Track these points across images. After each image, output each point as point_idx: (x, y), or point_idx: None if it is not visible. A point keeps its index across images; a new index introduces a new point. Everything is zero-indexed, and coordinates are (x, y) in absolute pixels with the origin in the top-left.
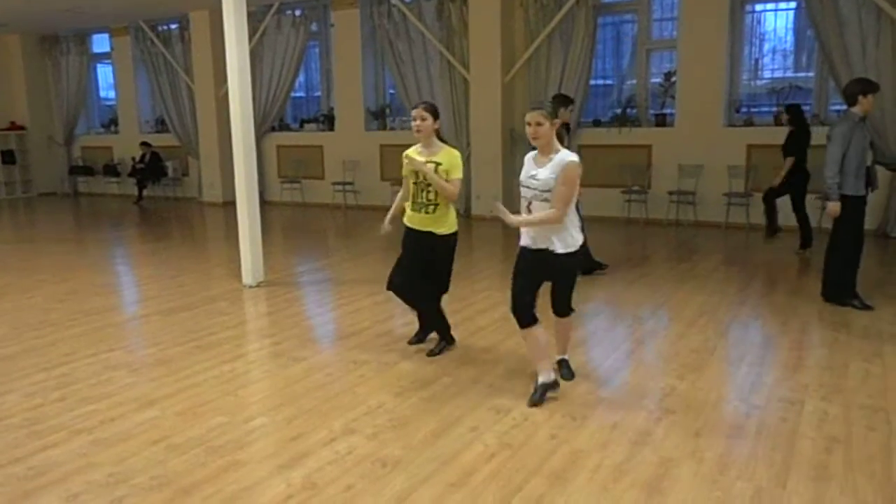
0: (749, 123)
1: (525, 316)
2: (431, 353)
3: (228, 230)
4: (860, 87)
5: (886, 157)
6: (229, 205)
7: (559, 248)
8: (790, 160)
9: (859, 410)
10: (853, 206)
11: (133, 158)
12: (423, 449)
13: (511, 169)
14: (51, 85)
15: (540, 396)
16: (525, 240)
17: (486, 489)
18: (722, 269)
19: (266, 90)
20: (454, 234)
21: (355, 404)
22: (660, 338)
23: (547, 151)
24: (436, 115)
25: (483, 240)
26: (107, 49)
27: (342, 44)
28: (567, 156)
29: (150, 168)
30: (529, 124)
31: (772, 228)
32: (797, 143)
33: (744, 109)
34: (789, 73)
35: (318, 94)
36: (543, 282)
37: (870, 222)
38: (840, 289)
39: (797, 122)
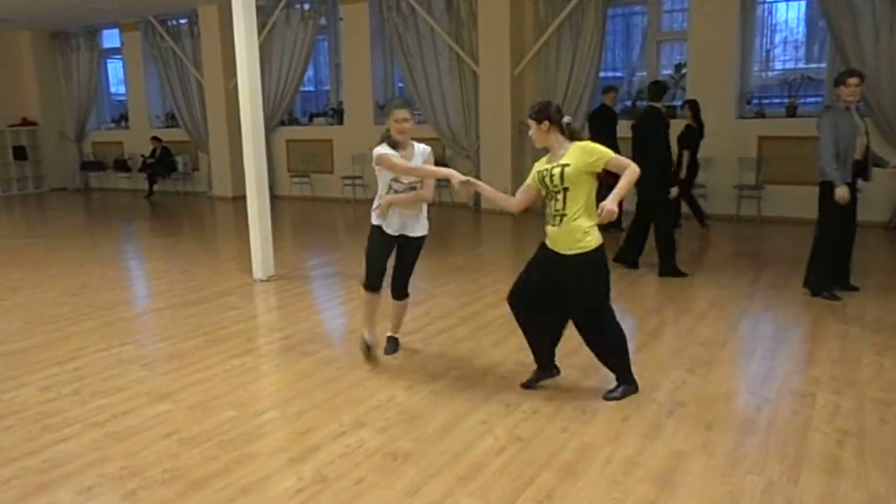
0: (760, 115)
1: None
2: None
3: (238, 225)
4: (836, 79)
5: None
6: (239, 199)
7: (418, 232)
8: (687, 153)
9: (872, 404)
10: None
11: (143, 155)
12: (434, 442)
13: (520, 162)
14: (61, 81)
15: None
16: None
17: (497, 482)
18: (733, 261)
19: (275, 84)
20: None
21: (365, 398)
22: (670, 331)
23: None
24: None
25: (492, 232)
26: (117, 44)
27: (351, 38)
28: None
29: (161, 163)
30: (398, 121)
31: (701, 218)
32: (693, 138)
33: (755, 101)
34: (801, 65)
35: (327, 88)
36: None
37: (880, 214)
38: (828, 280)
39: (697, 117)
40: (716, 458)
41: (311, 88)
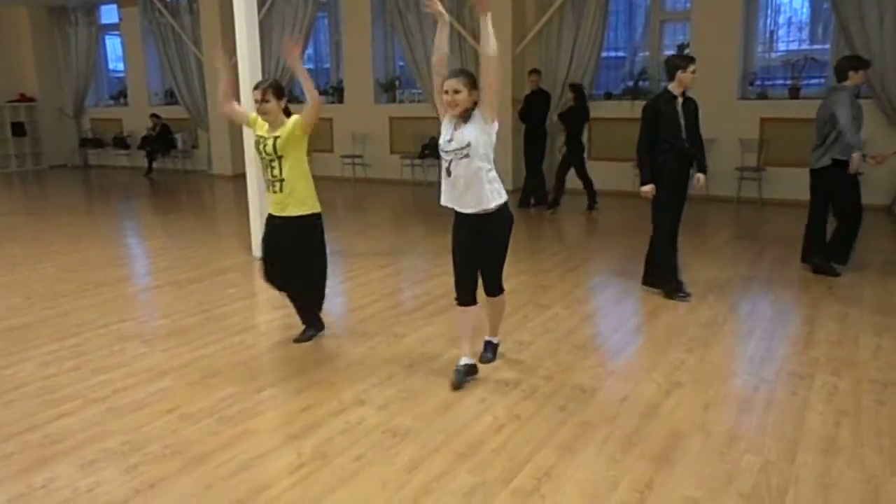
0: (763, 96)
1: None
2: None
3: (238, 203)
4: (851, 64)
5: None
6: (239, 177)
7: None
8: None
9: (869, 385)
10: (844, 173)
11: (147, 128)
12: (433, 420)
13: (519, 141)
14: (60, 57)
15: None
16: None
17: (496, 460)
18: (733, 243)
19: (275, 62)
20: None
21: (365, 375)
22: (669, 311)
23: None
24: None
25: None
26: (115, 20)
27: (351, 15)
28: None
29: (160, 140)
30: (447, 92)
31: (556, 200)
32: (577, 119)
33: (758, 82)
34: (805, 46)
35: (327, 66)
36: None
37: (882, 198)
38: (830, 255)
39: (580, 100)
40: (713, 437)
41: (310, 66)
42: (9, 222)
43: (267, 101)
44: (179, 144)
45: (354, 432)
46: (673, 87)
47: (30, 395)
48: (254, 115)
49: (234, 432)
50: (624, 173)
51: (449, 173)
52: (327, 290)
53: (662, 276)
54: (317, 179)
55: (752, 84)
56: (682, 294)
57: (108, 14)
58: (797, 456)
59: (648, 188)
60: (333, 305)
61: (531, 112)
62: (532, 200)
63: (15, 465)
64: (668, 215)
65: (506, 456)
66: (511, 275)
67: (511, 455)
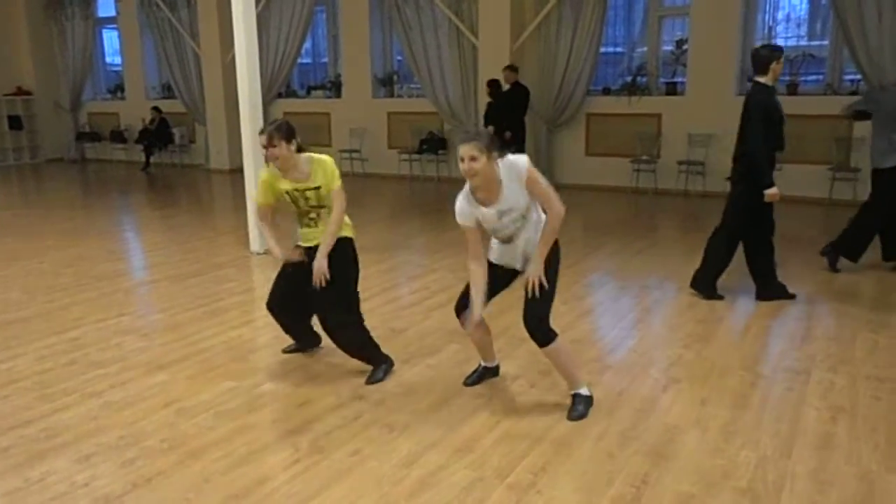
0: None
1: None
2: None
3: (235, 197)
4: None
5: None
6: (236, 172)
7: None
8: (491, 129)
9: (865, 381)
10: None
11: (143, 119)
12: (430, 415)
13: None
14: (57, 50)
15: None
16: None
17: (492, 455)
18: None
19: (273, 56)
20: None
21: (362, 370)
22: (667, 308)
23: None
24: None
25: None
26: (112, 13)
27: (349, 9)
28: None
29: (158, 134)
30: (462, 160)
31: None
32: (494, 113)
33: None
34: (803, 42)
35: (325, 60)
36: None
37: None
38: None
39: (495, 94)
40: (710, 432)
41: (308, 61)
42: (6, 216)
43: (274, 146)
44: (177, 139)
45: (352, 427)
46: (767, 80)
47: (26, 389)
48: (264, 174)
49: (231, 427)
50: (622, 169)
51: (510, 240)
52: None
53: (706, 276)
54: None
55: (750, 80)
56: (718, 295)
57: (105, 7)
58: (793, 451)
59: (775, 191)
60: None
61: (509, 108)
62: None
63: (11, 459)
64: (744, 216)
65: (503, 451)
66: None
67: (508, 450)
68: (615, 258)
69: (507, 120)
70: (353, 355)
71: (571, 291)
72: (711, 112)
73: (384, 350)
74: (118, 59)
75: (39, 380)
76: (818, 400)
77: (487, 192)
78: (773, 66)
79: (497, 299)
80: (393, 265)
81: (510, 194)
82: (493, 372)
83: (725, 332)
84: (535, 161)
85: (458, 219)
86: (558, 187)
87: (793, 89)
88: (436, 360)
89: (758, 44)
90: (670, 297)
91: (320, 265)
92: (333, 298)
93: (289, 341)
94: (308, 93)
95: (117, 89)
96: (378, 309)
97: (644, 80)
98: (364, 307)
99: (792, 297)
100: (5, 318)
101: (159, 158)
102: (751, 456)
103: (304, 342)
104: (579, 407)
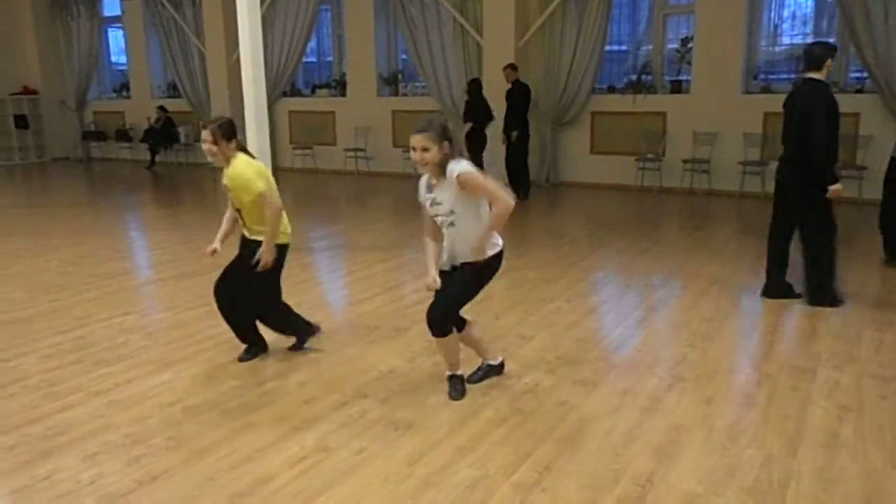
0: (767, 90)
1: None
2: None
3: None
4: None
5: None
6: None
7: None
8: (468, 125)
9: (871, 380)
10: None
11: (148, 118)
12: (435, 413)
13: None
14: (62, 49)
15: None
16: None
17: (497, 453)
18: (736, 238)
19: (278, 55)
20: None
21: (367, 369)
22: (671, 306)
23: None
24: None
25: None
26: (117, 13)
27: (354, 8)
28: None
29: (163, 133)
30: (415, 149)
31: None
32: (474, 112)
33: (761, 76)
34: (809, 40)
35: (330, 59)
36: None
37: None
38: None
39: (475, 94)
40: (715, 431)
41: (313, 59)
42: (11, 215)
43: (215, 143)
44: (182, 138)
45: (356, 425)
46: (822, 76)
47: (32, 387)
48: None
49: (236, 425)
50: (626, 167)
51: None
52: (330, 285)
53: (823, 284)
54: (319, 173)
55: (755, 78)
56: (840, 301)
57: (111, 6)
58: (799, 450)
59: (839, 186)
60: (335, 299)
61: (513, 106)
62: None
63: (18, 457)
64: (829, 216)
65: (507, 449)
66: (513, 269)
67: (512, 449)
68: (620, 256)
69: (510, 119)
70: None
71: (576, 289)
72: (717, 110)
73: (386, 350)
74: (123, 59)
75: (45, 378)
76: (824, 399)
77: (437, 180)
78: (828, 62)
79: (497, 302)
80: (398, 263)
81: (443, 189)
82: (496, 370)
83: (731, 330)
84: (540, 159)
85: (420, 199)
86: (562, 185)
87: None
88: (440, 358)
89: (763, 42)
90: (675, 295)
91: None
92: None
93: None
94: (313, 91)
95: (123, 88)
96: (382, 308)
97: (649, 78)
98: (368, 306)
99: (797, 296)
100: (11, 317)
101: (164, 157)
102: (756, 455)
103: (252, 346)
104: (458, 386)
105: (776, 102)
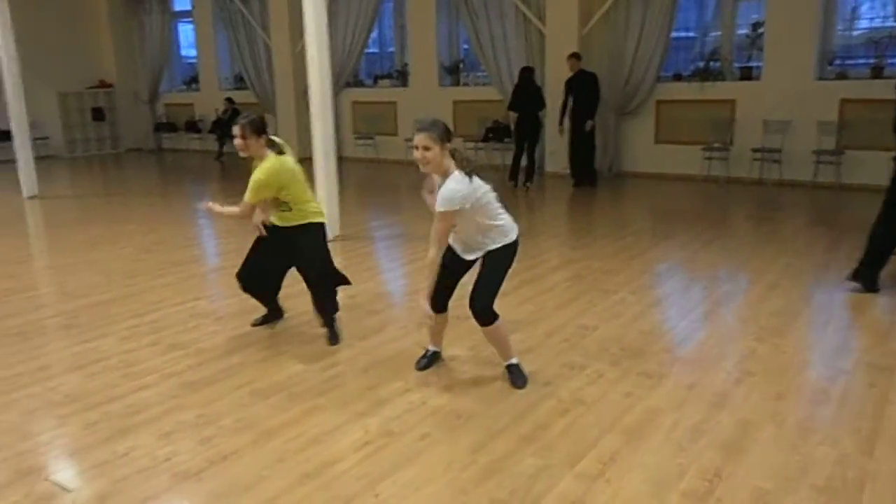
0: (843, 76)
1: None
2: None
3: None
4: None
5: None
6: (305, 161)
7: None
8: (513, 114)
9: None
10: None
11: (216, 109)
12: (497, 402)
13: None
14: (136, 44)
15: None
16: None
17: (560, 443)
18: (808, 230)
19: (341, 47)
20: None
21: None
22: (739, 300)
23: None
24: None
25: (554, 198)
26: (188, 7)
27: None
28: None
29: (230, 124)
30: (417, 148)
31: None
32: (524, 100)
33: (837, 62)
34: (889, 23)
35: (392, 50)
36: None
37: None
38: None
39: (528, 82)
40: (785, 428)
41: (375, 50)
42: (90, 203)
43: (244, 138)
44: None
45: (419, 412)
46: None
47: (111, 367)
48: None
49: (302, 408)
50: (692, 157)
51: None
52: (391, 274)
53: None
54: (381, 163)
55: (831, 63)
56: (875, 288)
57: (181, 1)
58: (875, 450)
59: None
60: (396, 288)
61: (578, 94)
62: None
63: (99, 433)
64: None
65: (570, 440)
66: (575, 259)
67: (576, 439)
68: (684, 249)
69: (582, 108)
70: (321, 316)
71: (640, 281)
72: (789, 98)
73: (448, 338)
74: (193, 52)
75: (124, 359)
76: None
77: (441, 180)
78: None
79: (560, 292)
80: None
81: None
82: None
83: (803, 325)
84: (602, 149)
85: (458, 203)
86: (625, 176)
87: (878, 72)
88: None
89: (839, 25)
90: (742, 289)
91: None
92: (315, 275)
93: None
94: (375, 82)
95: (192, 81)
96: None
97: (717, 64)
98: None
99: (875, 290)
100: (91, 301)
101: (231, 147)
102: (829, 453)
103: (271, 313)
104: (521, 374)
105: (853, 89)
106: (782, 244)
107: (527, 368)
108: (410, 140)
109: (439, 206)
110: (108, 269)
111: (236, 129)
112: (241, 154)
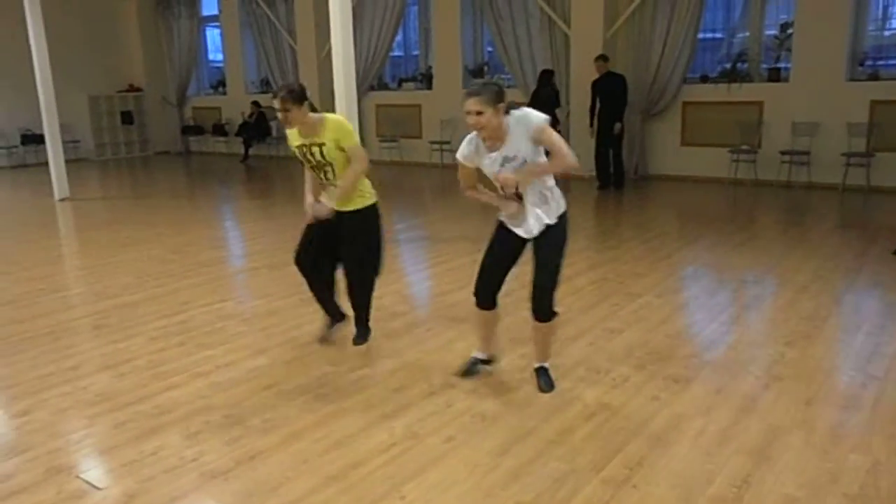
0: (874, 77)
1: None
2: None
3: None
4: None
5: None
6: None
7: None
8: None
9: None
10: None
11: (242, 113)
12: (522, 406)
13: None
14: (164, 48)
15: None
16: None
17: (586, 447)
18: (838, 233)
19: (366, 50)
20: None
21: (454, 360)
22: (767, 304)
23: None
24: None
25: (577, 200)
26: (215, 12)
27: (441, 1)
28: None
29: (256, 127)
30: (469, 113)
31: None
32: (542, 101)
33: (868, 62)
34: None
35: (416, 53)
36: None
37: None
38: None
39: (545, 84)
40: (816, 434)
41: (400, 54)
42: (119, 205)
43: (288, 111)
44: (274, 132)
45: (444, 414)
46: None
47: (141, 367)
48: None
49: (328, 410)
50: (720, 159)
51: (520, 197)
52: (416, 276)
53: None
54: (405, 165)
55: (861, 64)
56: None
57: (209, 6)
58: None
59: None
60: (421, 290)
61: (605, 96)
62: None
63: (128, 432)
64: None
65: (596, 444)
66: (601, 262)
67: (601, 444)
68: (712, 252)
69: (609, 110)
70: (354, 308)
71: (666, 284)
72: (818, 99)
73: (473, 340)
74: (220, 56)
75: (152, 359)
76: None
77: (494, 140)
78: None
79: (586, 295)
80: None
81: (515, 141)
82: (485, 363)
83: (833, 330)
84: (628, 151)
85: (459, 157)
86: (650, 178)
87: None
88: (527, 349)
89: (871, 25)
90: (771, 292)
91: (319, 209)
92: (358, 258)
93: (387, 312)
94: (399, 85)
95: (219, 85)
96: (468, 300)
97: (745, 66)
98: (457, 297)
99: None
100: (121, 301)
101: (257, 150)
102: (862, 460)
103: (330, 311)
104: (549, 380)
105: (885, 90)
106: (811, 247)
107: (553, 371)
108: (435, 142)
109: (541, 122)
110: (137, 270)
111: (277, 103)
112: (287, 128)
